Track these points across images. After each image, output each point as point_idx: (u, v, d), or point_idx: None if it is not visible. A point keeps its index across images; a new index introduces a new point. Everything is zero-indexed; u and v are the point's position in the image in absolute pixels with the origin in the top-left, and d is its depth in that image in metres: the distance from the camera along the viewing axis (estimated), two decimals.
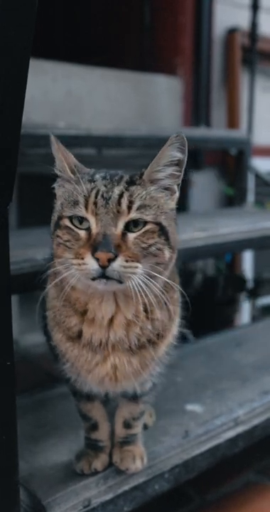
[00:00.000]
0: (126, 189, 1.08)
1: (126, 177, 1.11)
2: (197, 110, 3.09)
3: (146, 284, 1.05)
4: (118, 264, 1.01)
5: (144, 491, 1.37)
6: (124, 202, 1.05)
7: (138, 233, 1.06)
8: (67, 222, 1.07)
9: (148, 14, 3.20)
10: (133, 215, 1.06)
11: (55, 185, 1.16)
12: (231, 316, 2.97)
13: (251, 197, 3.13)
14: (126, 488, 1.34)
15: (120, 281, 1.03)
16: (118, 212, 1.05)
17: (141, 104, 2.93)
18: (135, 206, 1.06)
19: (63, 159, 1.13)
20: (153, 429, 1.55)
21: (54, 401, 1.69)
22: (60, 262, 1.09)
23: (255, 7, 2.99)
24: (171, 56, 3.10)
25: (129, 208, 1.06)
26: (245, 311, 3.16)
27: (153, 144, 2.48)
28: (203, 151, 3.03)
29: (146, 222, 1.07)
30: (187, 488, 1.77)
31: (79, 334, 1.18)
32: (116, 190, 1.06)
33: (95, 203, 1.04)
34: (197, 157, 3.03)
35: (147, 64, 3.13)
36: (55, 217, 1.12)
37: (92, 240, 1.02)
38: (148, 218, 1.07)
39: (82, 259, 1.02)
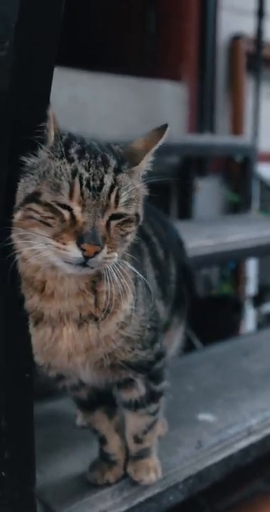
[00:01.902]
0: (115, 180, 1.01)
1: (113, 163, 1.04)
2: (201, 116, 3.09)
3: (114, 268, 1.03)
4: (102, 256, 0.98)
5: (159, 503, 1.36)
6: (113, 196, 1.01)
7: (119, 221, 1.03)
8: (48, 200, 0.98)
9: (153, 20, 3.20)
10: (120, 210, 1.02)
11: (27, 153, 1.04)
12: (237, 323, 2.97)
13: (255, 203, 3.13)
14: (141, 499, 1.33)
15: (93, 268, 1.00)
16: (107, 205, 1.00)
17: (146, 110, 2.92)
18: (122, 201, 1.02)
19: (52, 119, 1.03)
20: (166, 440, 1.53)
21: (65, 410, 1.68)
22: (20, 236, 1.01)
23: (260, 14, 3.00)
24: (176, 62, 3.10)
25: (117, 202, 1.02)
26: (250, 318, 3.15)
27: (160, 151, 2.47)
28: (208, 157, 3.02)
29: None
30: (198, 497, 1.75)
31: (42, 313, 1.11)
32: (108, 182, 1.00)
33: (82, 193, 0.98)
34: (202, 163, 3.03)
35: (151, 70, 3.13)
36: (28, 189, 1.01)
37: (79, 228, 0.97)
38: (131, 212, 1.05)
39: (64, 244, 0.97)
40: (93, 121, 2.69)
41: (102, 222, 0.99)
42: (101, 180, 1.00)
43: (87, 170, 0.99)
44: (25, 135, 1.00)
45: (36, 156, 1.02)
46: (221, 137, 3.15)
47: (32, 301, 1.10)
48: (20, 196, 1.02)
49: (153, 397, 1.29)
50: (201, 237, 2.12)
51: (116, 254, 1.02)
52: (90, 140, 1.08)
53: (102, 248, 0.98)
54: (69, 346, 1.12)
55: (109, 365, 1.19)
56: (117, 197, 1.01)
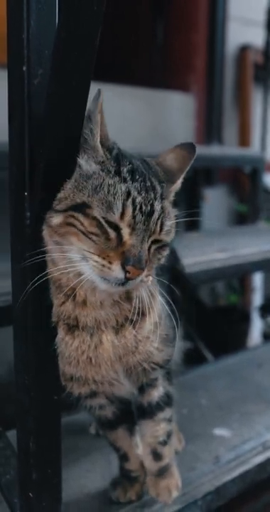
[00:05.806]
0: (162, 208, 1.01)
1: (159, 189, 1.03)
2: (209, 127, 3.11)
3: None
4: (140, 278, 0.98)
5: None
6: (159, 223, 1.01)
7: (158, 245, 1.03)
8: (97, 215, 0.97)
9: (162, 32, 3.21)
10: (162, 236, 1.03)
11: (81, 156, 1.02)
12: (245, 333, 2.98)
13: (262, 213, 3.14)
14: None
15: (127, 288, 1.00)
16: (153, 231, 1.01)
17: (155, 122, 2.94)
18: (165, 229, 1.03)
19: (99, 124, 1.00)
20: (184, 455, 1.54)
21: (82, 425, 1.69)
22: (54, 241, 1.00)
23: (269, 25, 3.00)
24: (184, 74, 3.12)
25: (161, 229, 1.02)
26: (256, 328, 3.16)
27: None
28: (217, 167, 3.04)
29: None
30: None
31: (77, 320, 1.09)
32: (157, 208, 1.00)
33: (134, 217, 0.97)
34: (209, 173, 3.05)
35: (160, 81, 3.14)
36: (78, 198, 0.99)
37: (126, 250, 0.97)
38: (169, 239, 1.05)
39: (110, 263, 0.96)
40: None
41: (147, 246, 1.00)
42: (152, 206, 1.00)
43: (140, 193, 0.99)
44: (62, 158, 1.01)
45: (89, 163, 1.01)
46: (230, 148, 3.17)
47: (65, 308, 1.08)
48: (65, 201, 1.00)
49: (168, 397, 1.29)
50: (213, 250, 2.13)
51: (151, 278, 1.03)
52: (132, 156, 1.07)
53: (143, 272, 0.98)
54: (111, 353, 1.10)
55: (142, 369, 1.18)
56: (162, 224, 1.02)
